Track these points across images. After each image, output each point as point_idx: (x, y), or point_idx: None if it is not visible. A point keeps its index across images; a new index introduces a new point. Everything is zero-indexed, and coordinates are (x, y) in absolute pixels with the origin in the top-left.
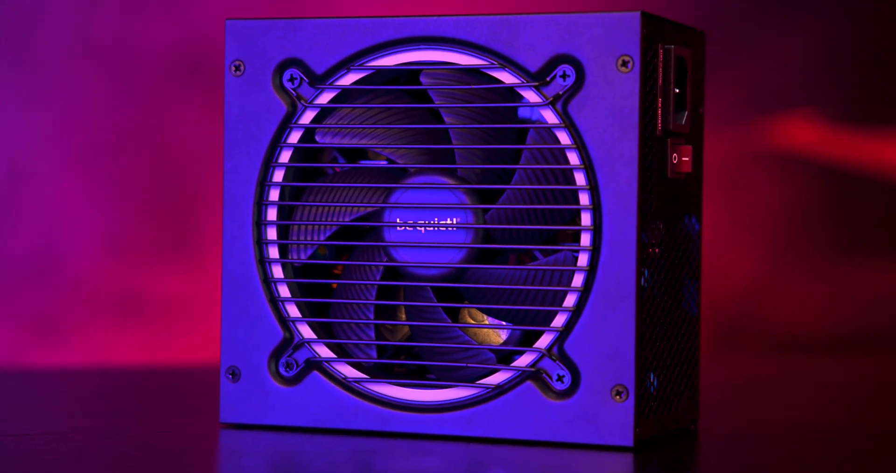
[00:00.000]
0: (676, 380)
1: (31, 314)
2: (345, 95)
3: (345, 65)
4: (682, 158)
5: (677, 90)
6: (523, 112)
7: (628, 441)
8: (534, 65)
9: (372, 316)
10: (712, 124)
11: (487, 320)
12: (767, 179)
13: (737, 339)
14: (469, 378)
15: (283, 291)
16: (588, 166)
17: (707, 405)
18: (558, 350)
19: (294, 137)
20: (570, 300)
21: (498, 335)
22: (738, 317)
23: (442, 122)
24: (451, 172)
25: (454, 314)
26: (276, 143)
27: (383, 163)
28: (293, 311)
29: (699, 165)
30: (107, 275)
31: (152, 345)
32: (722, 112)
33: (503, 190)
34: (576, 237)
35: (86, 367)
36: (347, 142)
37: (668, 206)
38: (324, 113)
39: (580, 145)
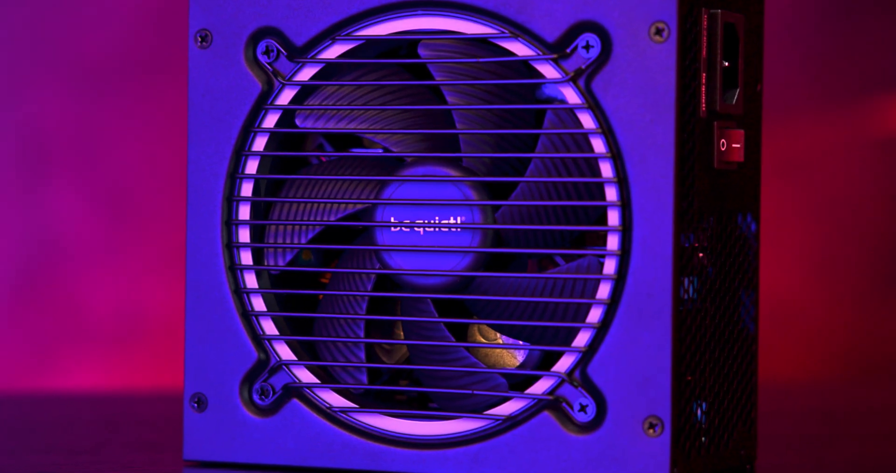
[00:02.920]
0: (728, 410)
1: (14, 334)
2: (330, 70)
3: (329, 34)
4: (731, 145)
5: (726, 63)
6: (550, 91)
7: None
8: (551, 34)
9: (362, 334)
10: (811, 105)
11: (501, 338)
12: (878, 170)
13: (810, 362)
14: (476, 408)
15: (258, 303)
16: (615, 155)
17: (768, 440)
18: (580, 375)
19: (270, 121)
20: (595, 315)
21: (513, 357)
22: (814, 336)
23: (444, 102)
24: (454, 163)
25: (460, 331)
26: (249, 127)
27: (378, 151)
28: (269, 327)
29: (756, 153)
30: (102, 290)
31: (153, 370)
32: (824, 91)
33: (516, 183)
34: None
35: (66, 394)
36: (333, 126)
37: (715, 202)
38: (305, 92)
39: (606, 130)
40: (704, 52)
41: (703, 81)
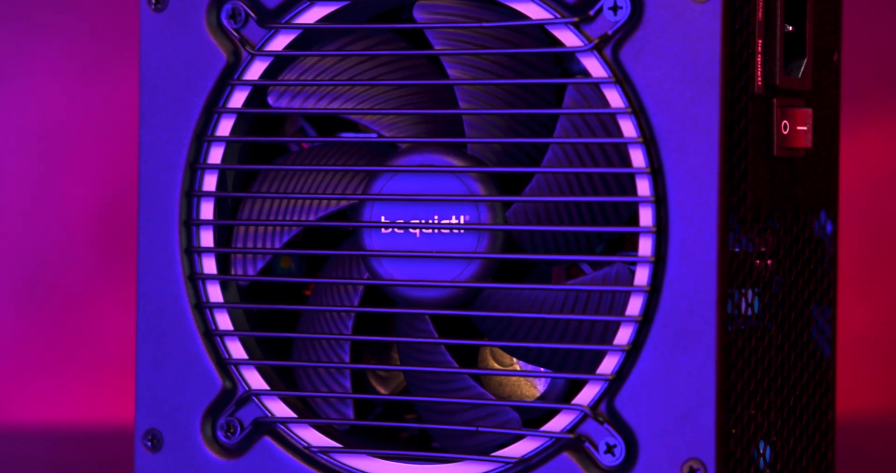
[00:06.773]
0: (796, 453)
1: (9, 353)
2: (309, 38)
3: None
4: (796, 127)
5: (790, 28)
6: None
7: None
8: None
9: (347, 358)
10: None
11: (518, 364)
12: None
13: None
14: (483, 448)
15: (223, 321)
16: (649, 139)
17: None
18: (607, 408)
19: (238, 100)
20: (624, 336)
21: (533, 387)
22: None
23: (445, 76)
24: (457, 150)
25: (467, 355)
26: (213, 107)
27: (372, 136)
28: (237, 350)
29: (833, 138)
30: (113, 301)
31: None
32: None
33: (530, 175)
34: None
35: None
36: (312, 106)
37: (776, 197)
38: (279, 64)
39: (638, 109)
40: (760, 14)
41: (759, 49)
